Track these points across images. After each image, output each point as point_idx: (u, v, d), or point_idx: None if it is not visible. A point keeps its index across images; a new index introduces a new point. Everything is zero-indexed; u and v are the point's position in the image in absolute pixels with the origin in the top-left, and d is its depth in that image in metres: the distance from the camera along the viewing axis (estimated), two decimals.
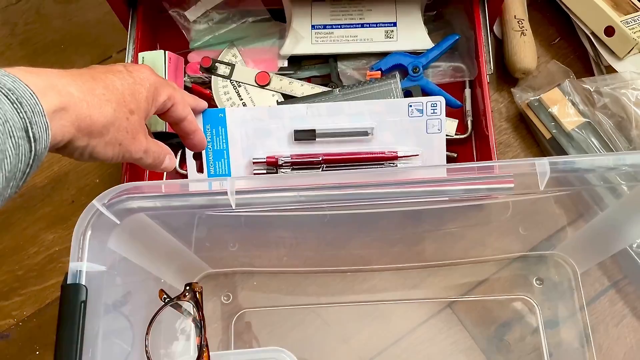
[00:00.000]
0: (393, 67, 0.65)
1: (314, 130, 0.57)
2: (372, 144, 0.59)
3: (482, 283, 0.60)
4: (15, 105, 0.33)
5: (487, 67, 0.62)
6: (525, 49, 0.66)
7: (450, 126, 0.64)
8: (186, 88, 0.67)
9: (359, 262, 0.61)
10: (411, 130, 0.57)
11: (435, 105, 0.56)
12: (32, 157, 0.34)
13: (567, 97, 0.63)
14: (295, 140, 0.58)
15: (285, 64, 0.68)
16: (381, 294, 0.61)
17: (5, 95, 0.32)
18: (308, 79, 0.68)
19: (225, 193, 0.43)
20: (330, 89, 0.65)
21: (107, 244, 0.42)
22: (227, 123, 0.58)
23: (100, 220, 0.41)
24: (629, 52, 0.63)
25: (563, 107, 0.63)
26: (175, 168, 0.59)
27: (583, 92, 0.63)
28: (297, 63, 0.68)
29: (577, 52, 0.70)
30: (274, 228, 0.54)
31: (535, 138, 0.66)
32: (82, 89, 0.39)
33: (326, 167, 0.59)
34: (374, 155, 0.58)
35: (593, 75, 0.68)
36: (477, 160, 0.64)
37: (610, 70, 0.65)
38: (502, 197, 0.49)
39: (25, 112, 0.33)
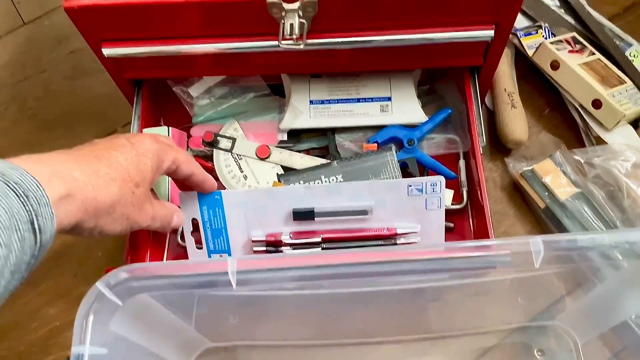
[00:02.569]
0: (389, 140, 0.67)
1: (312, 211, 0.58)
2: (371, 221, 0.59)
3: (485, 354, 0.60)
4: (21, 198, 0.34)
5: (480, 140, 0.64)
6: (516, 122, 0.68)
7: (447, 196, 0.65)
8: None
9: (360, 334, 0.60)
10: (410, 208, 0.58)
11: (435, 184, 0.57)
12: (37, 248, 0.35)
13: (559, 168, 0.65)
14: (294, 219, 0.59)
15: (285, 137, 0.70)
16: None
17: (12, 189, 0.34)
18: (307, 151, 0.70)
19: (227, 273, 0.44)
20: (328, 161, 0.67)
21: (109, 326, 0.43)
22: (223, 205, 0.59)
23: (103, 302, 0.42)
24: (616, 124, 0.66)
25: (556, 178, 0.64)
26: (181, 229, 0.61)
27: (574, 162, 0.65)
28: (296, 136, 0.70)
29: (567, 122, 0.72)
30: (275, 303, 0.54)
31: (530, 207, 0.68)
32: (86, 171, 0.41)
33: (326, 244, 0.59)
34: (373, 234, 0.59)
35: (583, 145, 0.70)
36: (473, 230, 0.65)
37: (600, 140, 0.67)
38: (499, 272, 0.50)
39: (31, 204, 0.34)
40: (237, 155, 0.68)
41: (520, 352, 0.59)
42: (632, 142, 0.66)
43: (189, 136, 0.70)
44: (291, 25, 0.55)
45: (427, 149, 0.68)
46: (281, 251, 0.58)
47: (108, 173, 0.42)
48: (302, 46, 0.56)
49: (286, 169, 0.68)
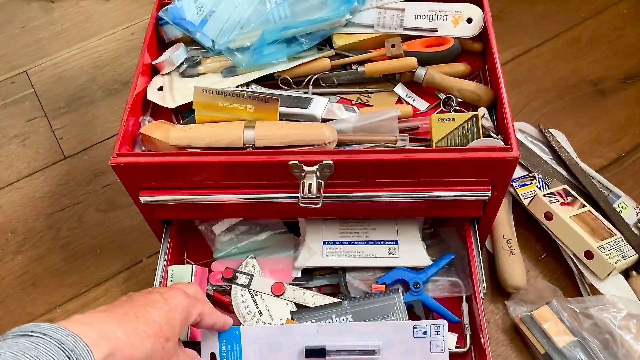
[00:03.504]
0: (396, 281, 0.72)
1: (324, 349, 0.62)
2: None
3: None
4: None
5: (481, 287, 0.69)
6: (514, 268, 0.73)
7: (451, 340, 0.69)
8: (208, 296, 0.74)
9: None
10: (416, 349, 0.62)
11: (438, 328, 0.61)
12: None
13: (556, 315, 0.69)
14: (306, 357, 0.63)
15: (299, 274, 0.75)
16: None
17: (68, 356, 0.39)
18: (319, 288, 0.75)
19: None
20: (339, 300, 0.71)
21: None
22: (241, 340, 0.63)
23: None
24: (608, 275, 0.71)
25: (554, 325, 0.68)
26: None
27: (570, 311, 0.69)
28: (309, 273, 0.75)
29: (562, 268, 0.77)
30: None
31: (531, 351, 0.71)
32: (126, 330, 0.46)
33: None
34: None
35: (579, 290, 0.74)
36: None
37: (594, 288, 0.72)
38: None
39: None
40: (254, 291, 0.73)
41: None
42: (623, 291, 0.71)
43: (210, 271, 0.76)
44: (310, 184, 0.63)
45: (432, 292, 0.72)
46: None
47: (145, 331, 0.47)
48: (319, 205, 0.63)
49: (299, 306, 0.73)
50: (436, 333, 0.61)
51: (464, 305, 0.71)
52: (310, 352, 0.63)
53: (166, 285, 0.70)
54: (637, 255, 0.73)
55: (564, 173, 0.84)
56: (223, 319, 0.61)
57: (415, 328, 0.62)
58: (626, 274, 0.73)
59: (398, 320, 0.67)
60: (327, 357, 0.62)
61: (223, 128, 0.65)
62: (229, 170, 0.64)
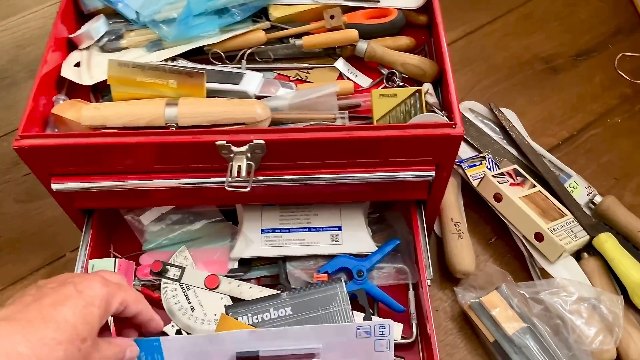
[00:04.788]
0: (339, 270, 0.68)
1: (257, 355, 0.55)
2: None
3: None
4: None
5: (427, 273, 0.65)
6: (462, 252, 0.70)
7: (396, 330, 0.65)
8: None
9: None
10: (358, 349, 0.56)
11: (383, 327, 0.55)
12: None
13: (506, 301, 0.65)
14: None
15: (236, 265, 0.69)
16: None
17: None
18: (258, 279, 0.70)
19: None
20: (278, 292, 0.66)
21: None
22: (162, 351, 0.55)
23: None
24: (558, 257, 0.68)
25: (503, 311, 0.65)
26: None
27: (520, 296, 0.66)
28: (247, 264, 0.70)
29: (512, 251, 0.74)
30: None
31: (480, 340, 0.67)
32: (32, 342, 0.40)
33: None
34: None
35: (530, 274, 0.71)
36: None
37: (545, 272, 0.69)
38: None
39: None
40: (185, 285, 0.67)
41: None
42: (575, 274, 0.68)
43: (138, 264, 0.70)
44: (239, 167, 0.57)
45: (377, 279, 0.68)
46: None
47: (54, 338, 0.41)
48: (248, 189, 0.57)
49: (235, 299, 0.67)
50: (381, 332, 0.56)
51: (411, 293, 0.67)
52: (242, 358, 0.55)
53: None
54: (588, 236, 0.70)
55: (515, 153, 0.81)
56: (150, 311, 0.54)
57: (359, 329, 0.56)
58: (577, 256, 0.71)
59: (340, 313, 0.63)
60: None
61: (142, 105, 0.59)
62: (150, 152, 0.58)
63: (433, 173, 0.61)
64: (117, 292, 0.49)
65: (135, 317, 0.52)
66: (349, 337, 0.56)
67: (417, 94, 0.62)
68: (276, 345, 0.55)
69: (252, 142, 0.56)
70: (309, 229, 0.70)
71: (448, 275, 0.72)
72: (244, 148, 0.57)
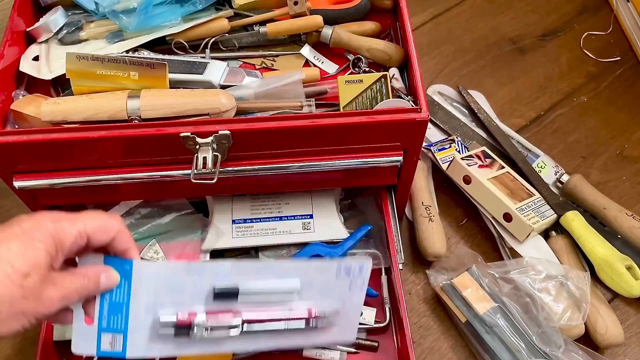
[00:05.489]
0: (311, 258, 0.68)
1: (237, 291, 0.51)
2: (294, 302, 0.53)
3: None
4: None
5: (399, 257, 0.65)
6: (434, 235, 0.70)
7: (369, 315, 0.66)
8: None
9: None
10: (334, 290, 0.53)
11: (362, 267, 0.52)
12: None
13: (477, 281, 0.66)
14: (214, 299, 0.51)
15: (208, 257, 0.69)
16: None
17: None
18: None
19: None
20: None
21: None
22: (132, 277, 0.48)
23: None
24: (527, 237, 0.69)
25: (474, 291, 0.66)
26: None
27: (490, 276, 0.67)
28: (219, 255, 0.70)
29: (483, 232, 0.75)
30: None
31: (453, 321, 0.68)
32: None
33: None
34: (295, 318, 0.53)
35: (500, 254, 0.72)
36: (397, 349, 0.65)
37: (514, 252, 0.70)
38: None
39: None
40: None
41: None
42: (543, 253, 0.69)
43: None
44: (204, 158, 0.56)
45: None
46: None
47: None
48: (214, 180, 0.57)
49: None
50: (359, 273, 0.53)
51: (383, 278, 0.68)
52: (220, 294, 0.50)
53: None
54: (555, 215, 0.71)
55: (484, 135, 0.82)
56: (128, 240, 0.47)
57: (340, 269, 0.52)
58: (546, 234, 0.72)
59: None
60: (239, 299, 0.51)
61: (103, 99, 0.58)
62: (113, 146, 0.57)
63: (401, 158, 0.61)
64: (70, 224, 0.45)
65: (109, 248, 0.48)
66: (329, 277, 0.53)
67: (383, 79, 0.62)
68: (258, 281, 0.52)
69: (218, 133, 0.56)
70: (281, 218, 0.70)
71: (420, 259, 0.73)
72: (210, 139, 0.56)
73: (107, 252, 0.48)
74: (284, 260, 0.57)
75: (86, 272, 0.46)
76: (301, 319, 0.53)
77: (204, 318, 0.50)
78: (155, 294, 0.50)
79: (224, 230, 0.69)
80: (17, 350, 0.68)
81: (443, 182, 0.78)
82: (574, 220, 0.70)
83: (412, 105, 0.59)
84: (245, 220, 0.70)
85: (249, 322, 0.52)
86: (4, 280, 0.41)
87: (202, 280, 0.50)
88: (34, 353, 0.62)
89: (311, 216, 0.70)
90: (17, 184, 0.59)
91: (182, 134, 0.55)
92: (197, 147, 0.57)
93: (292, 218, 0.70)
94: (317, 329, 0.53)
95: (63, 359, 0.65)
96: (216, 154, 0.57)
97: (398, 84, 0.65)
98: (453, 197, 0.78)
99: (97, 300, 0.48)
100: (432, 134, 0.82)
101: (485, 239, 0.75)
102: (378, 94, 0.62)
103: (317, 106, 0.65)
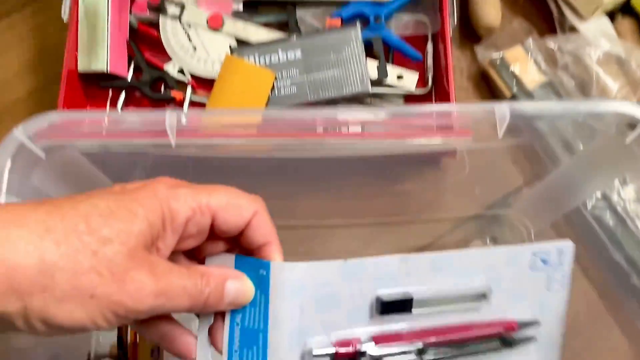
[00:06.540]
0: (354, 16, 0.62)
1: (411, 300, 0.37)
2: (483, 310, 0.39)
3: (436, 241, 0.59)
4: None
5: (451, 20, 0.60)
6: (489, 4, 0.64)
7: (411, 80, 0.62)
8: (132, 27, 0.62)
9: (309, 216, 0.58)
10: (529, 289, 0.40)
11: (562, 251, 0.39)
12: None
13: (529, 56, 0.61)
14: (380, 313, 0.37)
15: (241, 7, 0.64)
16: (333, 251, 0.59)
17: None
18: (265, 25, 0.65)
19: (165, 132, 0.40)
20: (287, 36, 0.61)
21: (30, 179, 0.39)
22: (269, 288, 0.34)
23: (22, 152, 0.37)
24: (594, 12, 0.62)
25: (525, 66, 0.61)
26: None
27: (546, 51, 0.62)
28: (253, 7, 0.64)
29: (541, 12, 0.68)
30: (222, 174, 0.50)
31: (496, 98, 0.65)
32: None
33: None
34: (489, 333, 0.40)
35: (557, 35, 0.67)
36: None
37: (574, 32, 0.64)
38: (459, 149, 0.48)
39: None
40: (186, 24, 0.62)
41: (471, 239, 0.58)
42: (607, 36, 0.63)
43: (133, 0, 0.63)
44: None
45: (395, 29, 0.63)
46: None
47: (48, 228, 0.28)
48: None
49: (240, 42, 0.63)
50: (559, 262, 0.40)
51: (429, 45, 0.63)
52: (389, 306, 0.36)
53: None
54: None
55: None
56: (271, 232, 0.35)
57: (535, 255, 0.39)
58: (611, 16, 0.66)
59: (353, 55, 0.59)
60: (413, 311, 0.37)
61: None
62: None
63: None
64: (192, 194, 0.33)
65: (242, 241, 0.35)
66: (521, 269, 0.39)
67: None
68: (431, 282, 0.38)
69: None
70: None
71: (469, 35, 0.67)
72: None
73: (239, 250, 0.35)
74: (465, 250, 0.43)
75: (207, 271, 0.33)
76: (496, 335, 0.39)
77: (372, 346, 0.36)
78: (301, 312, 0.35)
79: None
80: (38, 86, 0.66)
81: None
82: None
83: None
84: None
85: (435, 345, 0.38)
86: (70, 238, 0.28)
87: (362, 287, 0.36)
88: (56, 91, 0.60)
89: None
90: None
91: None
92: None
93: None
94: (512, 348, 0.40)
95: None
96: None
97: None
98: None
99: (227, 322, 0.34)
100: None
101: (543, 19, 0.68)
102: None
103: None
